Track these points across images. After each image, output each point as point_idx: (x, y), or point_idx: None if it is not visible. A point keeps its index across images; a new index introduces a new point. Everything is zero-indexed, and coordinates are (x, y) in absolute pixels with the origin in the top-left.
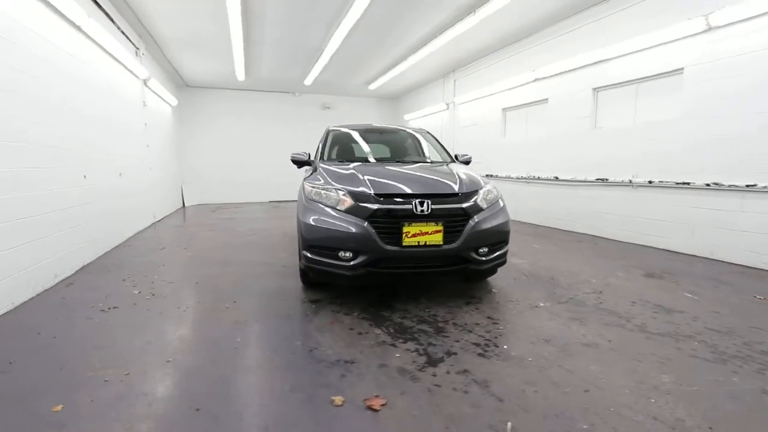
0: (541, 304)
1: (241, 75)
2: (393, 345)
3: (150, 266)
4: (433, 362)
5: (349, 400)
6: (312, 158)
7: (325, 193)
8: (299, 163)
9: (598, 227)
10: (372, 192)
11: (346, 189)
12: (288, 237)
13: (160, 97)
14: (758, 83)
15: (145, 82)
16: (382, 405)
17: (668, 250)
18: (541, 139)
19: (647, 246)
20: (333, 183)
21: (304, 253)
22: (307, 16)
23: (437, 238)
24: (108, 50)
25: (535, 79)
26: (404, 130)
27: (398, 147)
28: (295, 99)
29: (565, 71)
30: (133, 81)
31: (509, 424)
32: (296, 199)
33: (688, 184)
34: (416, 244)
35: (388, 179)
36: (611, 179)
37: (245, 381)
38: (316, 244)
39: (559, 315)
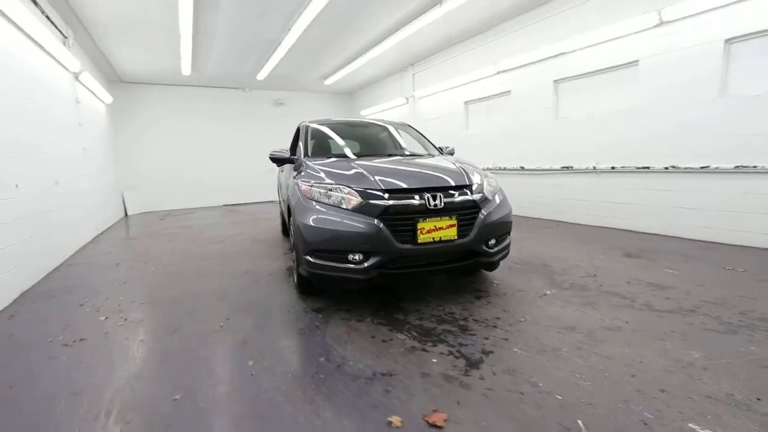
0: (548, 292)
1: (186, 69)
2: (424, 350)
3: (109, 286)
4: (473, 364)
5: (408, 419)
6: (293, 156)
7: (327, 192)
8: (280, 161)
9: (565, 213)
10: (381, 188)
11: (351, 186)
12: (260, 242)
13: (93, 93)
14: (705, 74)
15: (76, 75)
16: (445, 420)
17: (632, 231)
18: (506, 130)
19: (612, 228)
20: (333, 180)
21: (306, 258)
22: (266, 5)
23: (452, 233)
24: (34, 37)
25: (498, 72)
26: (386, 124)
27: (385, 141)
28: (245, 95)
29: (527, 64)
30: (63, 74)
31: (580, 422)
32: (259, 200)
33: (648, 168)
34: (431, 240)
35: (393, 174)
36: (576, 167)
37: (282, 415)
38: (322, 248)
39: (570, 301)
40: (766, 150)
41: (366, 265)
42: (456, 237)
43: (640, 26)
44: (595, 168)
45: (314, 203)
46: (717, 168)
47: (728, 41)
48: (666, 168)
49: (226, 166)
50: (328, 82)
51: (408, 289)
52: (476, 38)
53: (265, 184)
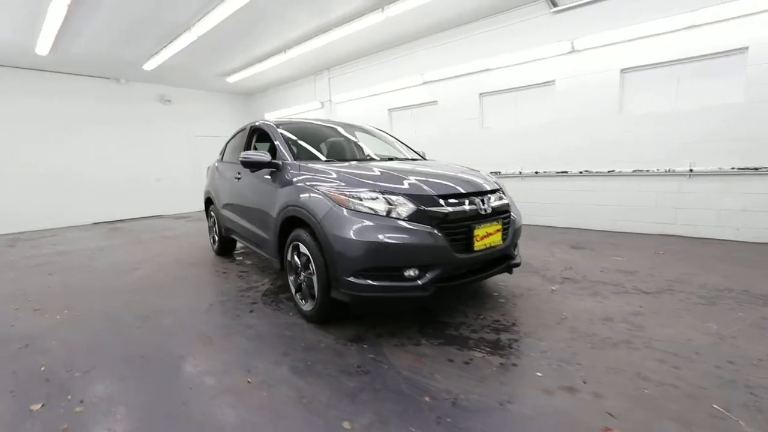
0: (553, 288)
1: (44, 48)
2: (514, 365)
3: (5, 351)
4: (575, 372)
5: None
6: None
7: (370, 199)
8: (257, 164)
9: None
10: (434, 193)
11: (398, 192)
12: (192, 265)
13: None
14: (608, 96)
15: None
16: None
17: (554, 227)
18: (433, 138)
19: (537, 225)
20: (367, 186)
21: (350, 280)
22: None
23: (498, 238)
24: None
25: (424, 82)
26: (361, 126)
27: (370, 144)
28: (120, 88)
29: (454, 76)
30: None
31: (716, 405)
32: (145, 215)
33: (566, 172)
34: (484, 247)
35: (429, 177)
36: (503, 172)
37: None
38: (373, 265)
39: (578, 294)
40: (655, 157)
41: (424, 280)
42: (501, 242)
43: (556, 51)
44: (521, 173)
45: (355, 213)
46: (620, 172)
47: (623, 71)
48: (581, 172)
49: (98, 176)
50: (231, 79)
51: (427, 301)
52: (402, 47)
53: (151, 196)
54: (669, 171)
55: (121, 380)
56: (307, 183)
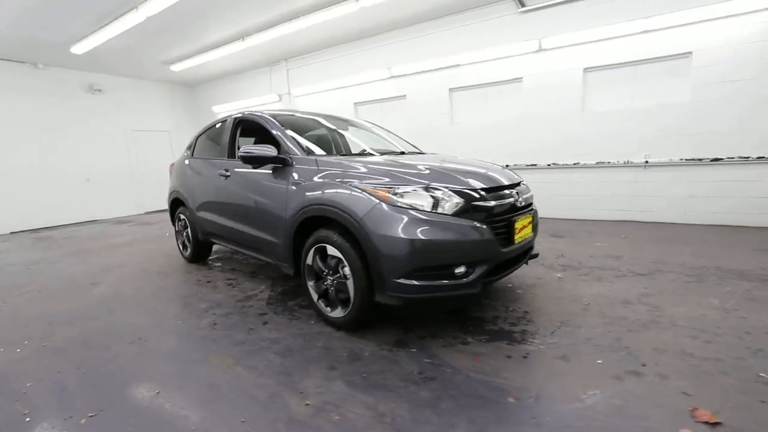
0: (559, 275)
1: None
2: (571, 354)
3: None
4: (631, 357)
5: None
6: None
7: (415, 194)
8: (260, 160)
9: None
10: (477, 186)
11: (443, 186)
12: (165, 275)
13: None
14: (572, 93)
15: None
16: (716, 414)
17: None
18: (402, 133)
19: None
20: (410, 179)
21: (400, 282)
22: None
23: (530, 230)
24: None
25: (392, 76)
26: (352, 120)
27: (369, 138)
28: (38, 74)
29: (423, 71)
30: None
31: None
32: (77, 221)
33: (535, 165)
34: (521, 240)
35: (462, 170)
36: None
37: None
38: (426, 264)
39: (584, 280)
40: (615, 150)
41: (472, 277)
42: (531, 234)
43: (524, 50)
44: None
45: (401, 210)
46: (584, 164)
47: (586, 70)
48: (549, 165)
49: (12, 178)
50: (177, 68)
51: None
52: (369, 40)
53: (80, 199)
54: (627, 162)
55: (149, 427)
56: (336, 179)
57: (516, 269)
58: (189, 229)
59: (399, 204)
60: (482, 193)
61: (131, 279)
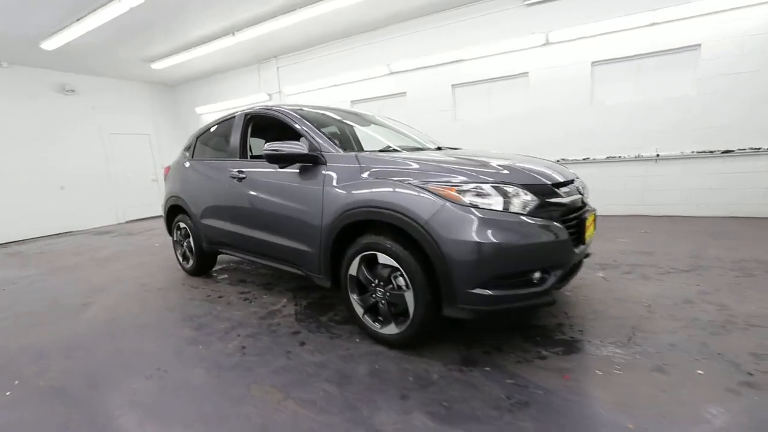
0: (600, 275)
1: None
2: (667, 365)
3: None
4: (726, 363)
5: None
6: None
7: (486, 193)
8: (290, 158)
9: None
10: (549, 182)
11: (515, 182)
12: (172, 290)
13: None
14: (580, 87)
15: None
16: None
17: None
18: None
19: None
20: (477, 175)
21: (475, 292)
22: None
23: (593, 228)
24: None
25: (391, 73)
26: (368, 115)
27: (394, 134)
28: (2, 73)
29: (424, 67)
30: None
31: None
32: (50, 233)
33: None
34: (588, 239)
35: (523, 165)
36: None
37: None
38: (505, 272)
39: (629, 278)
40: (624, 144)
41: (549, 283)
42: (593, 232)
43: (530, 44)
44: None
45: (472, 211)
46: (595, 159)
47: (594, 63)
48: (558, 160)
49: None
50: (158, 66)
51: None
52: (366, 36)
53: (53, 209)
54: (638, 156)
55: None
56: (388, 177)
57: (578, 273)
58: (191, 239)
59: (469, 204)
60: (554, 189)
61: (128, 297)
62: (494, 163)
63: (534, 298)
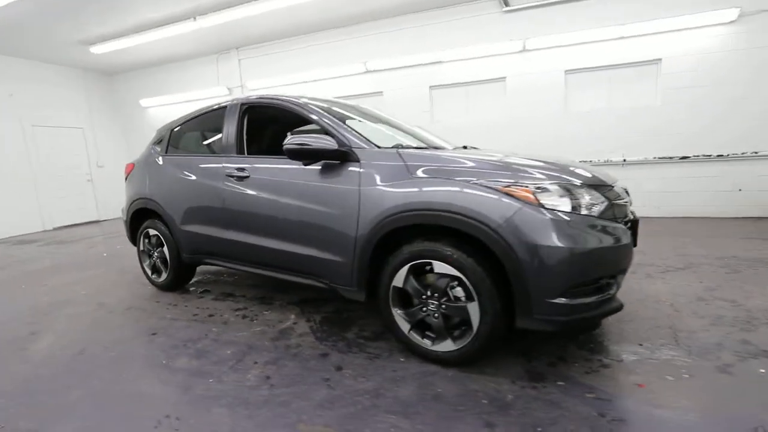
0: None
1: None
2: (728, 365)
3: None
4: None
5: None
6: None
7: (562, 194)
8: (318, 154)
9: None
10: (611, 182)
11: (585, 182)
12: (145, 311)
13: None
14: (555, 94)
15: None
16: None
17: None
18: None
19: None
20: (549, 173)
21: (557, 302)
22: None
23: None
24: None
25: (367, 71)
26: (369, 109)
27: (411, 130)
28: None
29: (402, 67)
30: None
31: None
32: (22, 236)
33: None
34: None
35: (567, 165)
36: None
37: None
38: (586, 278)
39: (637, 277)
40: (595, 149)
41: (615, 288)
42: None
43: (508, 49)
44: None
45: (551, 213)
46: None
47: (567, 72)
48: None
49: None
50: (98, 50)
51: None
52: (340, 31)
53: None
54: (607, 161)
55: None
56: (445, 176)
57: None
58: (165, 248)
59: (546, 205)
60: (612, 188)
61: (88, 321)
62: (550, 163)
63: (606, 306)
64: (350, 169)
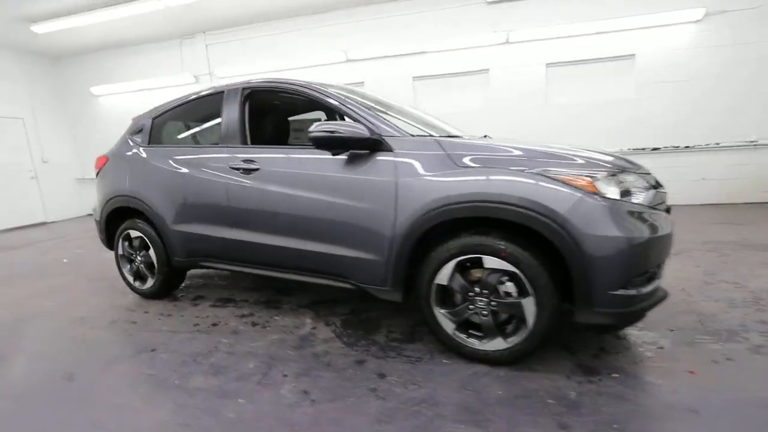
0: None
1: None
2: (759, 352)
3: None
4: None
5: None
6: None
7: (619, 182)
8: (348, 143)
9: None
10: (646, 171)
11: (635, 170)
12: (136, 325)
13: None
14: (537, 87)
15: None
16: None
17: None
18: None
19: None
20: (587, 162)
21: (619, 294)
22: None
23: None
24: None
25: (348, 60)
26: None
27: (421, 116)
28: None
29: (385, 56)
30: None
31: None
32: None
33: None
34: None
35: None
36: None
37: None
38: (646, 269)
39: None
40: (573, 141)
41: (660, 277)
42: None
43: (492, 41)
44: None
45: (611, 202)
46: None
47: (548, 65)
48: None
49: None
50: (40, 29)
51: None
52: (319, 17)
53: None
54: None
55: None
56: (508, 166)
57: None
58: (152, 251)
59: (608, 194)
60: (652, 175)
61: (69, 340)
62: (594, 151)
63: (656, 295)
64: (383, 158)
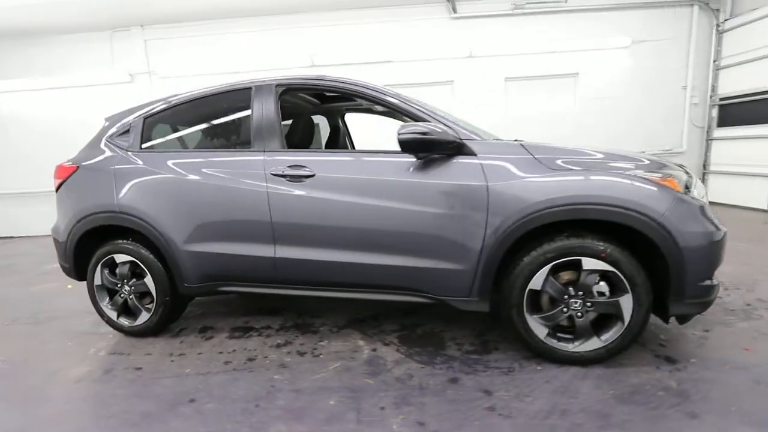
0: None
1: None
2: None
3: None
4: None
5: None
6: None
7: (691, 182)
8: (437, 145)
9: None
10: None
11: (676, 174)
12: (145, 372)
13: None
14: (497, 99)
15: None
16: None
17: None
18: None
19: None
20: (651, 163)
21: (705, 284)
22: None
23: None
24: None
25: (314, 65)
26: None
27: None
28: None
29: (351, 63)
30: None
31: None
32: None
33: None
34: None
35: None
36: None
37: None
38: (722, 259)
39: None
40: None
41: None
42: None
43: (457, 54)
44: None
45: (691, 200)
46: None
47: (507, 79)
48: None
49: None
50: None
51: None
52: (283, 18)
53: None
54: None
55: None
56: (608, 168)
57: None
58: (150, 278)
59: (690, 193)
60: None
61: (59, 403)
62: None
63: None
64: (467, 162)
